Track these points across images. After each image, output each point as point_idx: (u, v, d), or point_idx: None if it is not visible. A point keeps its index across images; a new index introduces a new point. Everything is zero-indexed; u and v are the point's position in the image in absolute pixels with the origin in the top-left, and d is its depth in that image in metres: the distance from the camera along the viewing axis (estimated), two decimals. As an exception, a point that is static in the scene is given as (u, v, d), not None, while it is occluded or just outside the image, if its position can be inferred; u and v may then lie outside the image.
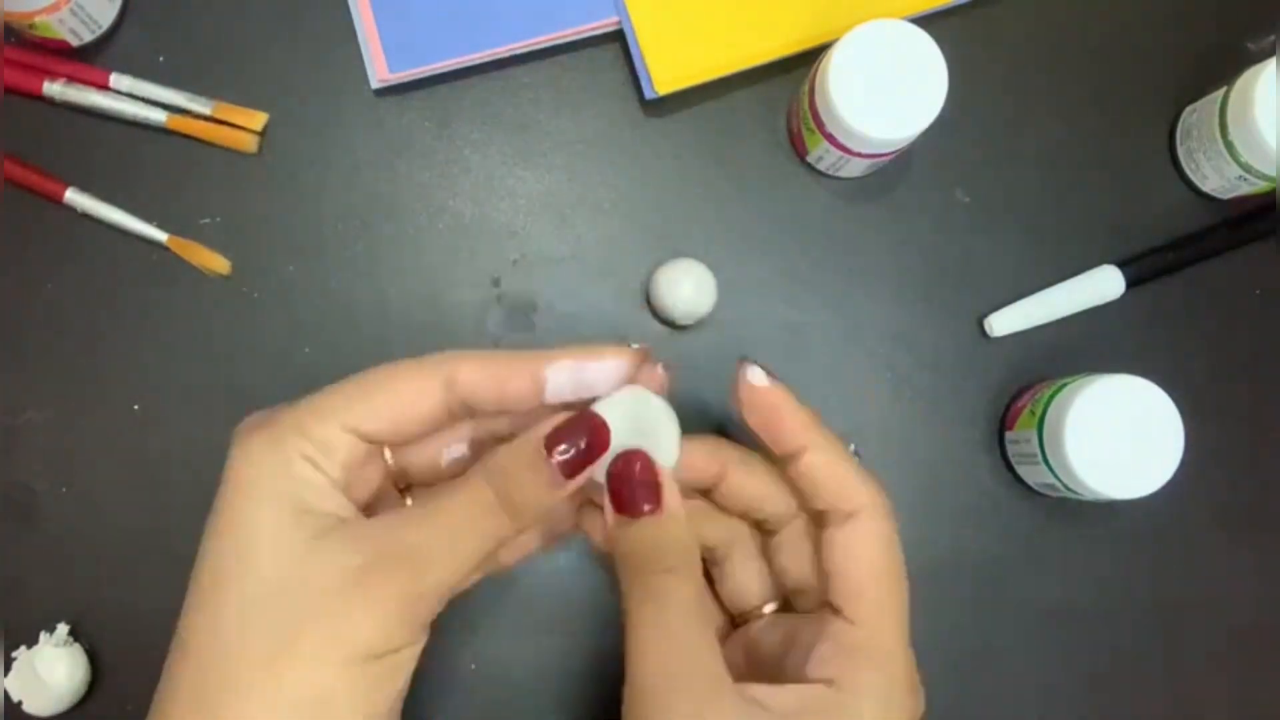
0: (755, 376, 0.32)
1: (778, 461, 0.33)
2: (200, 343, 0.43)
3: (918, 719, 0.31)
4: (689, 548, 0.31)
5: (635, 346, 0.32)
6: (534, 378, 0.31)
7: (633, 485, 0.30)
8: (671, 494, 0.31)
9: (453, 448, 0.34)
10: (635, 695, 0.28)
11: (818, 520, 0.32)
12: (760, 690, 0.29)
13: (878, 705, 0.29)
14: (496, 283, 0.45)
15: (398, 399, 0.30)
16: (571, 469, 0.29)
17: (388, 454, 0.32)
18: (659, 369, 0.32)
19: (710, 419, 0.44)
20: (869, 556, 0.31)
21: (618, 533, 0.31)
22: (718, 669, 0.29)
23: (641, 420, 0.31)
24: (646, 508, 0.30)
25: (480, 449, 0.34)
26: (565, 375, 0.31)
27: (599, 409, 0.30)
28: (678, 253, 0.44)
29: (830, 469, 0.31)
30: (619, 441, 0.30)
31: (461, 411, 0.31)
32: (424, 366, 0.31)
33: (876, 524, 0.31)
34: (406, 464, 0.33)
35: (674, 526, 0.31)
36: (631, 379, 0.31)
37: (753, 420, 0.32)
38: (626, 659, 0.29)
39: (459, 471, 0.32)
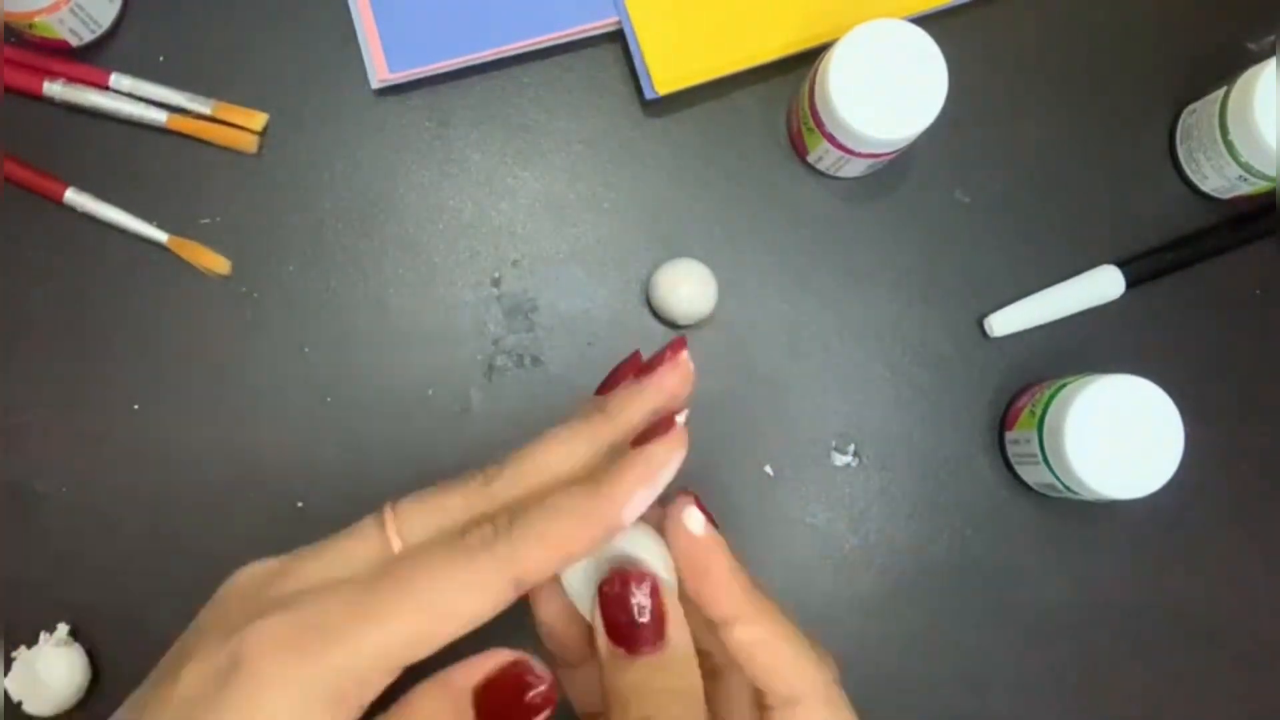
0: (692, 522, 0.27)
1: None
2: (200, 342, 0.43)
3: None
4: (694, 693, 0.26)
5: (680, 420, 0.27)
6: (608, 529, 0.25)
7: (632, 615, 0.26)
8: (678, 628, 0.26)
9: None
10: None
11: (757, 699, 0.28)
12: None
13: None
14: (496, 283, 0.45)
15: (453, 614, 0.25)
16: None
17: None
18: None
19: (711, 416, 0.44)
20: None
21: (611, 668, 0.26)
22: None
23: (633, 547, 0.27)
24: (647, 646, 0.26)
25: None
26: (640, 502, 0.26)
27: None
28: (678, 253, 0.44)
29: (764, 649, 0.27)
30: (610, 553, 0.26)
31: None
32: (483, 569, 0.25)
33: (816, 716, 0.27)
34: None
35: (680, 668, 0.26)
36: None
37: (682, 571, 0.27)
38: None
39: None
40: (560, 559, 0.25)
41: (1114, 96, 0.47)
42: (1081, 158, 0.46)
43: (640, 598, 0.26)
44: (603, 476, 0.25)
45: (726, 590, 0.27)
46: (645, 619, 0.26)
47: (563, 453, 0.27)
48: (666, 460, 0.26)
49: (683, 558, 0.27)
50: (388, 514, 0.26)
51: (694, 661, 0.27)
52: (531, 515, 0.25)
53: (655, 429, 0.26)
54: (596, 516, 0.25)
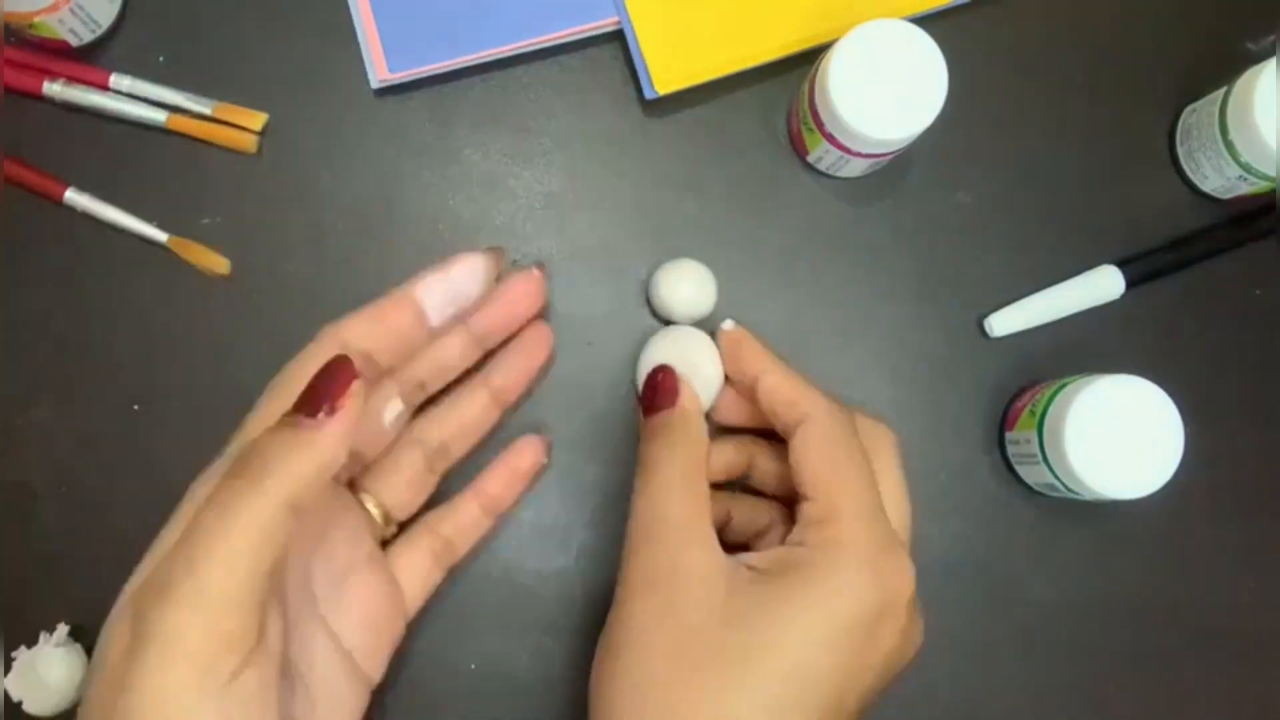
0: (726, 324, 0.39)
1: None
2: (200, 342, 0.43)
3: (903, 574, 0.34)
4: (695, 431, 0.36)
5: (486, 249, 0.39)
6: (411, 306, 0.37)
7: (655, 390, 0.37)
8: (688, 396, 0.37)
9: (389, 408, 0.38)
10: (630, 533, 0.34)
11: (787, 436, 0.36)
12: (741, 553, 0.34)
13: (846, 560, 0.33)
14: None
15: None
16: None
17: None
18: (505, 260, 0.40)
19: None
20: (818, 447, 0.35)
21: (643, 437, 0.36)
22: (703, 521, 0.34)
23: (686, 349, 0.39)
24: (665, 406, 0.36)
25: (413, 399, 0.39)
26: (438, 291, 0.37)
27: (654, 342, 0.41)
28: (678, 253, 0.44)
29: (779, 386, 0.37)
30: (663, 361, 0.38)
31: (372, 370, 0.36)
32: (317, 346, 0.36)
33: (821, 423, 0.35)
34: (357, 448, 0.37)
35: (686, 416, 0.36)
36: (494, 273, 0.38)
37: (724, 358, 0.39)
38: (629, 507, 0.35)
39: (397, 430, 0.39)
40: (373, 326, 0.36)
41: (1114, 96, 0.47)
42: (1081, 158, 0.46)
43: (660, 376, 0.37)
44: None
45: (752, 358, 0.38)
46: (663, 393, 0.37)
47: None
48: (458, 261, 0.38)
49: (724, 349, 0.39)
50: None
51: (700, 421, 0.37)
52: (350, 313, 0.37)
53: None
54: (396, 297, 0.37)
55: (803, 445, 0.35)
